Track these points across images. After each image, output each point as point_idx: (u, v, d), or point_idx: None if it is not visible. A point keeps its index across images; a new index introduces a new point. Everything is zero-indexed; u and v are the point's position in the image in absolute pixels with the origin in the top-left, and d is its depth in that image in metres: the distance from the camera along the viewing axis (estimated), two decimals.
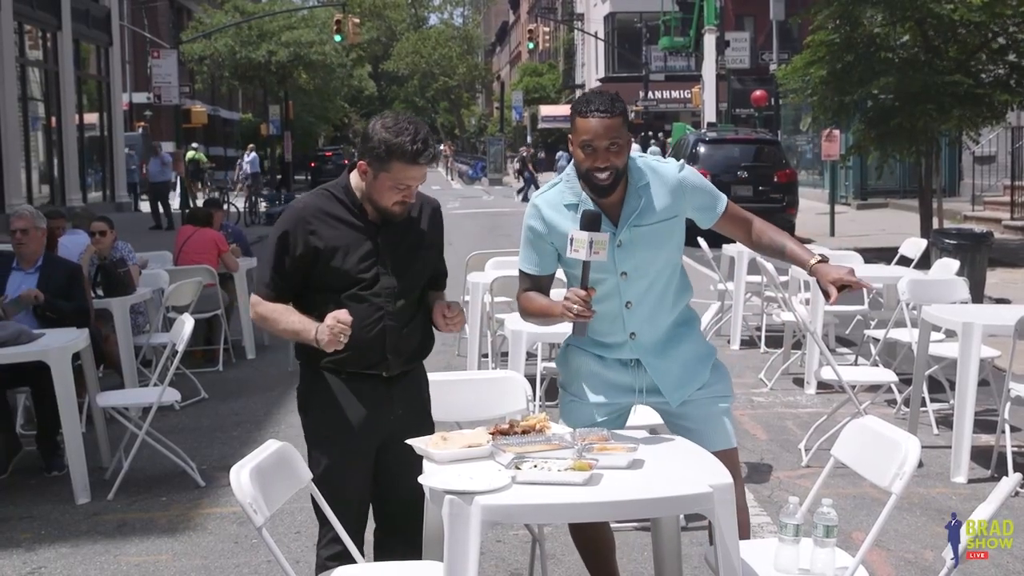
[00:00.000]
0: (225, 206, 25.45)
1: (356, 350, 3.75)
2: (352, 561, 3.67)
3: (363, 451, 3.84)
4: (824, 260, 3.85)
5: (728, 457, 3.76)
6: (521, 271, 4.02)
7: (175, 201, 28.26)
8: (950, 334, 7.17)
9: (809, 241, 17.68)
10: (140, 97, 45.71)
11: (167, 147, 40.42)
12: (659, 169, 3.90)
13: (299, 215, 3.81)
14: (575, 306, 3.68)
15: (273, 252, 3.81)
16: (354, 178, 3.83)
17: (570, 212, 3.84)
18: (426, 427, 3.88)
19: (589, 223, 3.68)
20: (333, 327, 3.62)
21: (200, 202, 24.35)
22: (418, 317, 3.92)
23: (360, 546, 3.83)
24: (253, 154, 35.80)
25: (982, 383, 6.64)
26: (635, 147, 3.81)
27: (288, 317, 3.79)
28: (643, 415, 4.35)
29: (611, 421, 3.96)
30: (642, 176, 3.86)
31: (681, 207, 3.89)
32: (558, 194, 3.91)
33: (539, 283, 4.02)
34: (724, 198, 4.02)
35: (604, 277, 3.84)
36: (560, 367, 4.13)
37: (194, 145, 39.45)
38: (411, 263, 3.82)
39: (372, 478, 3.90)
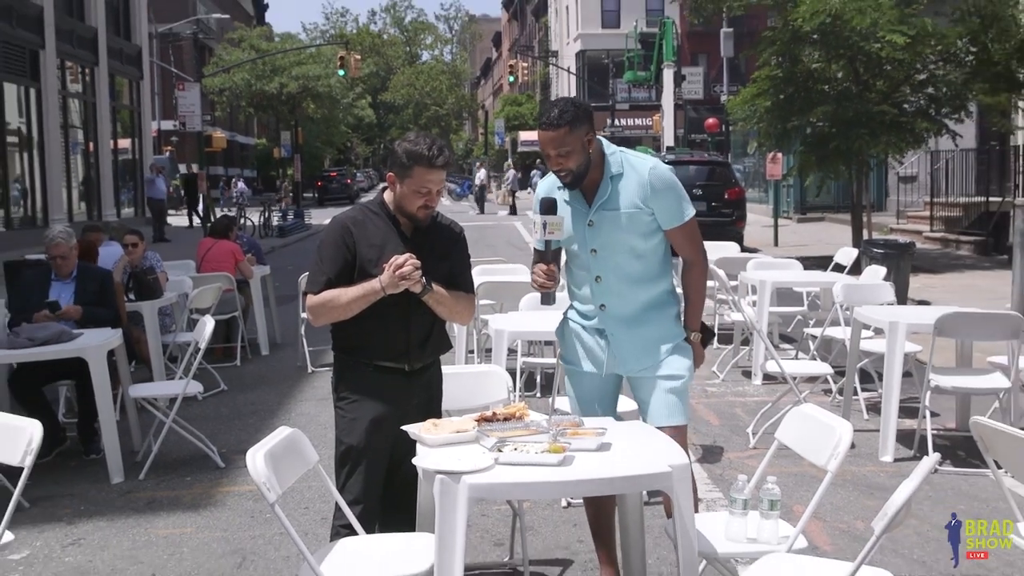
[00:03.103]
0: (241, 220, 25.60)
1: (384, 343, 3.81)
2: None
3: (383, 435, 3.83)
4: (699, 339, 4.02)
5: (676, 432, 3.76)
6: (534, 248, 4.07)
7: (185, 217, 28.05)
8: (878, 331, 7.21)
9: (756, 251, 17.71)
10: (167, 124, 45.56)
11: (188, 168, 40.23)
12: (635, 164, 3.90)
13: (343, 224, 3.85)
14: (538, 278, 3.84)
15: (323, 255, 3.82)
16: (387, 195, 3.89)
17: (561, 193, 3.92)
18: (434, 417, 3.86)
19: (547, 209, 3.81)
20: (392, 272, 3.67)
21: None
22: (437, 318, 3.93)
23: (376, 517, 3.85)
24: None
25: (906, 374, 6.67)
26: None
27: (346, 290, 3.77)
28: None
29: (602, 387, 4.04)
30: (617, 167, 3.87)
31: (646, 202, 3.87)
32: (554, 178, 3.97)
33: (545, 258, 4.06)
34: (688, 215, 3.93)
35: (579, 253, 3.93)
36: (558, 337, 4.20)
37: (181, 170, 39.11)
38: (433, 269, 3.82)
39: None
